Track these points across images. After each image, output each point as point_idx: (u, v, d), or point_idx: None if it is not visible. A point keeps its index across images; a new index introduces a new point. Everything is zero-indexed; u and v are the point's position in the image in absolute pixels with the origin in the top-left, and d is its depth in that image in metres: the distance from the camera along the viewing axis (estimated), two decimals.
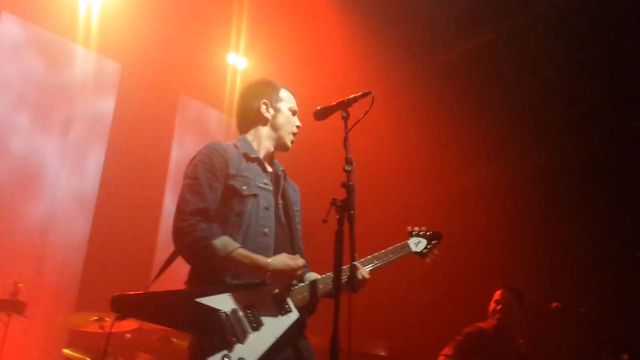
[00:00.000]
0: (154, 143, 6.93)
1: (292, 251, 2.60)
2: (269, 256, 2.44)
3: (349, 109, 2.45)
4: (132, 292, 2.32)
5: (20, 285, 5.15)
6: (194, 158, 2.60)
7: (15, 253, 5.84)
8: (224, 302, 2.32)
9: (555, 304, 4.78)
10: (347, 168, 2.31)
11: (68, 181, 6.39)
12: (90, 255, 6.31)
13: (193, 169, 2.55)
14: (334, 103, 2.49)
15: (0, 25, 6.16)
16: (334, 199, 2.25)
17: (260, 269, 2.36)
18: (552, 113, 6.98)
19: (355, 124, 2.41)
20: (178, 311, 2.30)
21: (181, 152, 7.16)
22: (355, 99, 2.47)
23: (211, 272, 2.42)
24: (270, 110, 2.79)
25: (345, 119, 2.43)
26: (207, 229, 2.38)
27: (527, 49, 6.35)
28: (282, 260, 2.39)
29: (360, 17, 6.28)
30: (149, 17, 6.43)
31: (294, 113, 2.84)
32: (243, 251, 2.38)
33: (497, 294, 5.18)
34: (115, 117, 6.86)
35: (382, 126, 6.25)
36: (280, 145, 2.80)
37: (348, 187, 2.27)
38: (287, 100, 2.84)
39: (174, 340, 4.78)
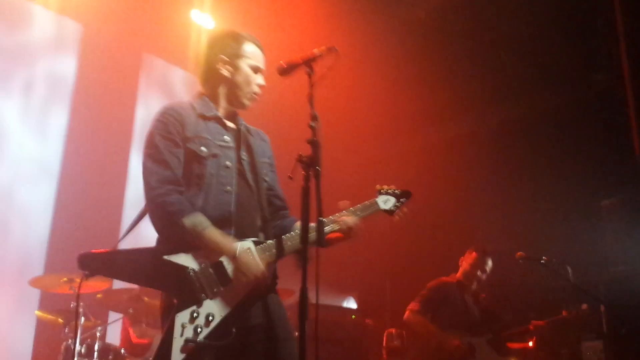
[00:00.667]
0: (117, 103, 6.80)
1: (259, 205, 2.61)
2: (227, 214, 2.48)
3: (314, 65, 2.42)
4: (99, 250, 2.33)
5: None
6: (150, 126, 2.57)
7: None
8: (192, 260, 2.34)
9: (519, 253, 4.93)
10: (312, 124, 2.30)
11: (31, 144, 6.27)
12: (57, 218, 6.23)
13: (150, 138, 2.53)
14: (298, 59, 2.46)
15: None
16: (299, 155, 2.26)
17: (226, 249, 2.39)
18: (517, 68, 7.05)
19: (319, 80, 2.40)
20: (146, 268, 2.32)
21: (146, 112, 7.05)
22: (319, 55, 2.44)
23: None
24: (228, 67, 2.70)
25: (310, 74, 2.41)
26: (177, 203, 2.38)
27: (493, 3, 6.35)
28: (248, 259, 2.38)
29: None
30: None
31: (255, 70, 2.73)
32: (211, 233, 2.38)
33: (472, 256, 5.33)
34: (77, 78, 6.70)
35: (349, 83, 6.25)
36: (237, 105, 2.75)
37: (313, 143, 2.27)
38: (249, 56, 2.72)
39: (146, 299, 4.82)
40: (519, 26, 6.49)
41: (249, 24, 6.38)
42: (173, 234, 2.39)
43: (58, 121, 6.50)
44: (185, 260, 2.34)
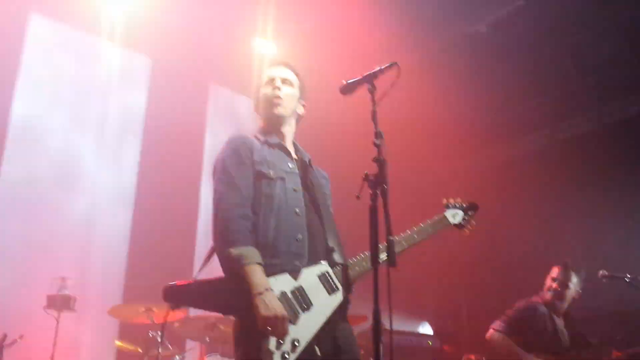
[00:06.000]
0: (187, 133, 6.99)
1: (323, 231, 2.59)
2: (300, 236, 2.46)
3: (376, 82, 2.39)
4: (182, 282, 2.34)
5: (68, 280, 5.27)
6: (220, 153, 2.63)
7: (61, 249, 5.98)
8: (273, 285, 2.31)
9: (601, 271, 4.67)
10: (377, 142, 2.26)
11: (106, 176, 6.51)
12: (133, 247, 6.42)
13: (220, 163, 2.58)
14: (360, 76, 2.43)
15: (30, 26, 6.26)
16: (366, 174, 2.22)
17: (254, 286, 2.27)
18: (587, 79, 6.79)
19: (382, 96, 2.36)
20: (229, 297, 2.32)
21: (214, 141, 7.20)
22: (381, 71, 2.41)
23: None
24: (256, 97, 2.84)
25: (372, 92, 2.38)
26: (236, 232, 2.37)
27: (558, 14, 6.15)
28: (274, 304, 2.25)
29: None
30: (174, 8, 6.45)
31: (267, 84, 2.79)
32: (251, 269, 2.29)
33: (555, 271, 5.05)
34: (147, 110, 6.95)
35: (412, 98, 6.16)
36: (272, 118, 2.76)
37: (379, 161, 2.23)
38: (264, 78, 2.82)
39: (221, 327, 4.83)
40: (587, 34, 6.26)
41: (310, 48, 6.45)
42: (220, 259, 2.41)
43: (131, 152, 6.74)
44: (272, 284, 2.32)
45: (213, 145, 7.15)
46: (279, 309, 2.23)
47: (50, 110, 6.31)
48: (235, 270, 2.31)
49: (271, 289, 2.27)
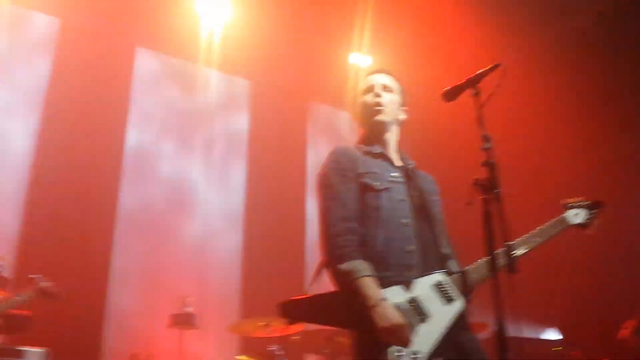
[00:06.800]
0: (289, 151, 7.16)
1: (435, 239, 2.53)
2: (410, 247, 2.42)
3: (479, 86, 2.32)
4: (297, 297, 2.37)
5: (188, 299, 5.52)
6: (322, 167, 2.62)
7: (179, 270, 6.29)
8: (387, 297, 2.30)
9: None
10: (486, 146, 2.20)
11: (216, 198, 6.79)
12: (246, 265, 6.65)
13: (324, 177, 2.57)
14: (463, 81, 2.39)
15: (137, 60, 6.66)
16: (475, 179, 2.16)
17: (368, 299, 2.26)
18: None
19: (487, 99, 2.29)
20: (342, 311, 2.32)
21: (316, 157, 7.32)
22: (484, 74, 2.34)
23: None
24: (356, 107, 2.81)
25: (476, 95, 2.32)
26: (345, 247, 2.37)
27: None
28: (390, 313, 2.24)
29: None
30: (269, 30, 6.64)
31: (366, 91, 2.75)
32: (363, 282, 2.29)
33: None
34: (250, 132, 7.18)
35: (519, 98, 5.97)
36: (374, 126, 2.73)
37: (490, 165, 2.16)
38: (362, 86, 2.80)
39: (339, 339, 4.86)
40: None
41: (408, 58, 6.41)
42: (330, 275, 2.41)
43: (238, 175, 6.99)
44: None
45: (315, 160, 7.27)
46: (396, 317, 2.22)
47: (160, 138, 6.67)
48: (347, 285, 2.31)
49: (386, 299, 2.26)
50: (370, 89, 2.75)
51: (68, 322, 5.21)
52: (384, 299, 2.25)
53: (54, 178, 5.71)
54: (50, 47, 6.23)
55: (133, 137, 6.48)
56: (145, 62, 6.76)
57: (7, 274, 4.48)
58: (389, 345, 2.21)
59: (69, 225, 5.41)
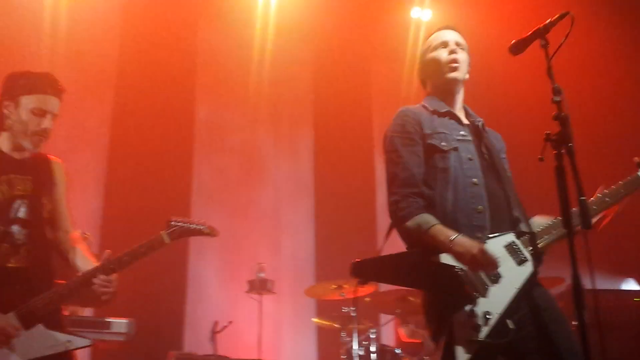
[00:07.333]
0: (354, 114, 7.12)
1: (506, 199, 2.48)
2: (481, 207, 2.39)
3: (548, 37, 2.23)
4: (369, 258, 2.41)
5: (264, 264, 5.66)
6: (387, 130, 2.61)
7: (255, 238, 6.46)
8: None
9: None
10: (557, 98, 2.12)
11: (286, 165, 6.88)
12: (319, 229, 6.75)
13: (389, 141, 2.56)
14: (530, 33, 2.30)
15: (199, 33, 6.74)
16: (547, 134, 2.09)
17: (442, 244, 2.29)
18: None
19: (557, 49, 2.21)
20: (415, 271, 2.33)
21: (381, 118, 7.27)
22: (552, 24, 2.24)
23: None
24: (424, 65, 2.73)
25: (545, 47, 2.23)
26: (407, 208, 2.39)
27: None
28: (463, 240, 2.26)
29: None
30: None
31: (442, 46, 2.67)
32: (435, 230, 2.32)
33: None
34: (315, 97, 7.19)
35: (587, 49, 5.69)
36: (446, 86, 2.66)
37: (561, 119, 2.09)
38: (432, 42, 2.71)
39: (411, 299, 4.90)
40: None
41: (471, 11, 6.22)
42: (400, 236, 2.44)
43: (306, 142, 7.04)
44: (453, 259, 2.31)
45: (380, 122, 7.22)
46: (474, 245, 2.24)
47: (228, 109, 6.77)
48: (417, 240, 2.34)
49: (458, 234, 2.27)
50: (443, 45, 2.67)
51: (151, 293, 5.46)
52: (456, 235, 2.27)
53: (130, 156, 5.93)
54: (116, 25, 6.40)
55: (202, 109, 6.63)
56: (206, 34, 6.84)
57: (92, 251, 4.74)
58: (460, 307, 2.22)
59: (147, 200, 5.61)
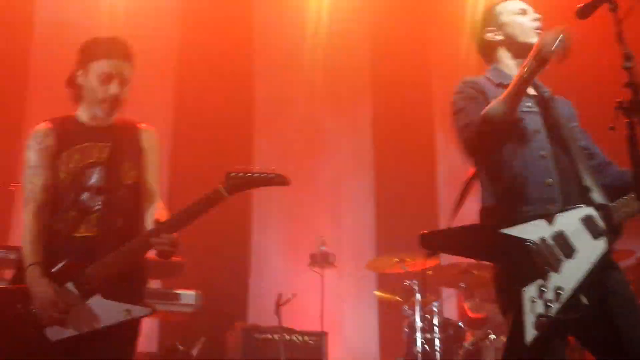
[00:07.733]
0: (413, 85, 7.00)
1: (577, 171, 2.39)
2: (550, 180, 2.34)
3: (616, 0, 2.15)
4: (438, 229, 2.39)
5: (325, 238, 5.71)
6: (452, 98, 2.54)
7: (317, 212, 6.53)
8: (531, 231, 2.24)
9: None
10: (627, 65, 2.03)
11: (345, 140, 6.88)
12: (379, 203, 6.75)
13: (455, 104, 2.50)
14: None
15: (255, 9, 6.77)
16: (618, 102, 2.00)
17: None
18: None
19: (628, 13, 2.11)
20: (486, 243, 2.29)
21: (441, 91, 7.13)
22: None
23: (506, 206, 2.38)
24: (496, 32, 2.62)
25: (614, 10, 2.14)
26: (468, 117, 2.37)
27: None
28: None
29: None
30: None
31: (522, 13, 2.60)
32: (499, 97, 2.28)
33: None
34: (373, 70, 7.13)
35: None
36: (523, 50, 2.50)
37: (633, 85, 2.00)
38: (512, 5, 2.62)
39: (475, 272, 4.85)
40: None
41: None
42: (488, 135, 2.35)
43: (364, 116, 7.02)
44: (524, 232, 2.24)
45: (440, 95, 7.10)
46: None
47: (286, 83, 6.82)
48: (502, 113, 2.28)
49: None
50: (522, 12, 2.61)
51: (217, 266, 5.60)
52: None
53: (192, 136, 6.10)
54: (177, 7, 6.53)
55: (261, 84, 6.71)
56: (263, 13, 6.87)
57: None
58: (530, 281, 2.17)
59: (210, 178, 5.70)
